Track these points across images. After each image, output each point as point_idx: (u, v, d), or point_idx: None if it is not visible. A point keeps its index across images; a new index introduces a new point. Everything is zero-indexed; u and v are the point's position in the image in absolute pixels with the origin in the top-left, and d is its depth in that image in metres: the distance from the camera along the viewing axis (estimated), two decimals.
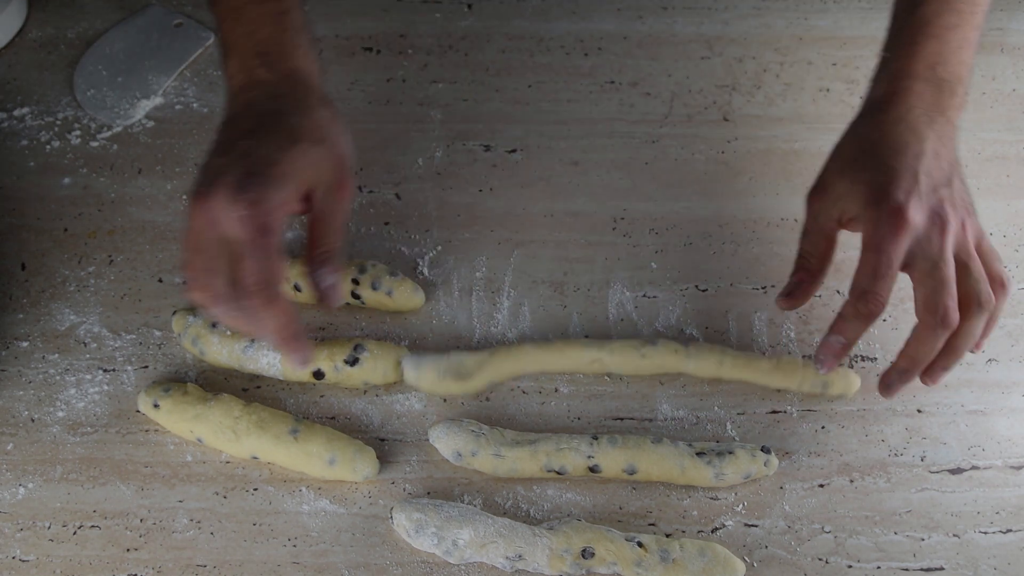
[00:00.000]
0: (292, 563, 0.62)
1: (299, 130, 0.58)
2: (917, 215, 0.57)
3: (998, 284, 0.59)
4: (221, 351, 0.67)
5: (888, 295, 0.58)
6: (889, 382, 0.62)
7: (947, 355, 0.60)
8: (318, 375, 0.67)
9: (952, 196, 0.58)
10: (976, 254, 0.59)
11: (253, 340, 0.67)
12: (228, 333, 0.68)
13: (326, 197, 0.59)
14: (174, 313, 0.70)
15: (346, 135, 0.61)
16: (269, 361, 0.67)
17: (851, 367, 0.70)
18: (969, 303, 0.58)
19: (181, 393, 0.66)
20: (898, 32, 0.64)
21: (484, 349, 0.68)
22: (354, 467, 0.63)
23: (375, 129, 0.82)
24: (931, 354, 0.59)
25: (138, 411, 0.67)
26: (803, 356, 0.70)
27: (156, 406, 0.65)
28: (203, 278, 0.56)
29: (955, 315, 0.57)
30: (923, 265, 0.58)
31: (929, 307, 0.58)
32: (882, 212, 0.57)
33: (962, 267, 0.58)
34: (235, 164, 0.56)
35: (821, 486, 0.65)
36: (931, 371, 0.60)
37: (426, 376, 0.66)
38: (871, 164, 0.59)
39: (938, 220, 0.57)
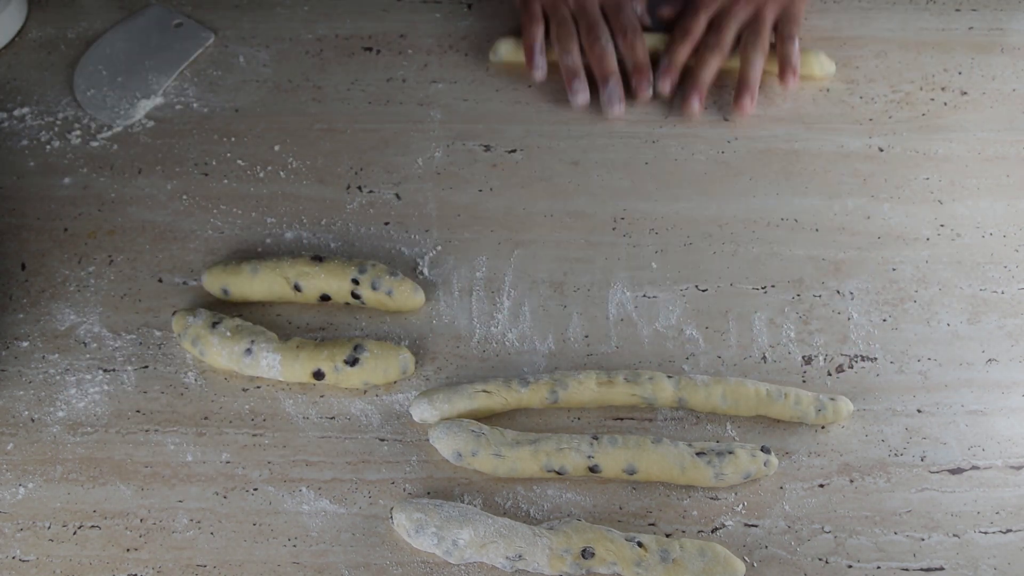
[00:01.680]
0: (292, 563, 0.62)
1: None
2: None
3: (779, 36, 0.83)
4: (221, 352, 0.67)
5: (694, 30, 0.82)
6: (684, 94, 0.82)
7: (740, 78, 0.82)
8: (318, 375, 0.67)
9: None
10: (765, 17, 0.82)
11: (253, 343, 0.67)
12: (228, 335, 0.68)
13: None
14: (174, 314, 0.70)
15: None
16: (269, 363, 0.67)
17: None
18: (744, 43, 0.82)
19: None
20: None
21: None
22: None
23: (375, 129, 0.82)
24: (702, 66, 0.81)
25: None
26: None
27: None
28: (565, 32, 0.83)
29: (722, 40, 0.82)
30: (716, 16, 0.83)
31: (708, 33, 0.83)
32: None
33: (749, 22, 0.82)
34: None
35: (821, 486, 0.65)
36: (738, 94, 0.81)
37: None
38: None
39: None
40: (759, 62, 0.81)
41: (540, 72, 0.83)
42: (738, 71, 0.82)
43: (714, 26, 0.82)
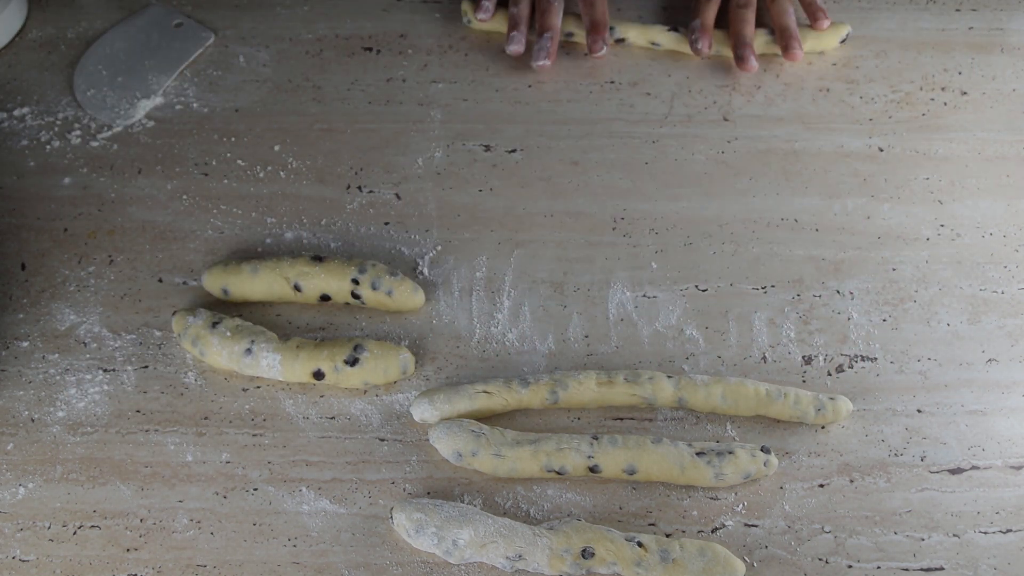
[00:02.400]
0: (292, 563, 0.62)
1: None
2: None
3: None
4: (221, 352, 0.67)
5: None
6: (737, 55, 0.84)
7: (779, 30, 0.85)
8: (318, 375, 0.67)
9: None
10: None
11: (253, 343, 0.67)
12: (228, 335, 0.68)
13: None
14: (174, 314, 0.70)
15: None
16: (269, 363, 0.67)
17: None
18: None
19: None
20: None
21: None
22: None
23: (375, 129, 0.82)
24: (741, 23, 0.85)
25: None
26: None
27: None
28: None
29: None
30: None
31: None
32: None
33: None
34: None
35: (821, 486, 0.65)
36: (784, 46, 0.84)
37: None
38: None
39: None
40: (790, 8, 0.85)
41: (515, 46, 0.85)
42: (773, 23, 0.86)
43: None
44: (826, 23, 0.85)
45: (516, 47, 0.85)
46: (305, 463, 0.66)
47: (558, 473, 0.64)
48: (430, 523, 0.61)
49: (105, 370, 0.69)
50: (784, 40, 0.84)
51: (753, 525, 0.63)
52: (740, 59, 0.84)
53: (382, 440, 0.67)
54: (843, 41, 0.87)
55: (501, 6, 0.89)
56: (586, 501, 0.64)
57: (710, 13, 0.86)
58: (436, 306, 0.73)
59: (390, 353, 0.68)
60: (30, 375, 0.69)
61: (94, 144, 0.81)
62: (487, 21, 0.87)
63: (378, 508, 0.64)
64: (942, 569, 0.62)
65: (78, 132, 0.82)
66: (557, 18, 0.85)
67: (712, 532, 0.63)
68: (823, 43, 0.86)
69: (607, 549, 0.60)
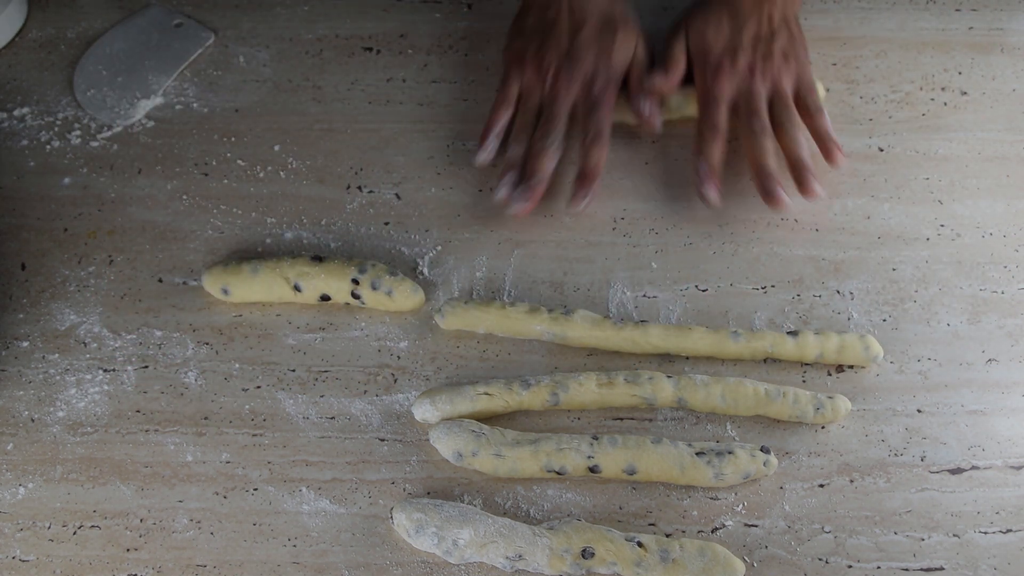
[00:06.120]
0: (292, 563, 0.62)
1: (615, 22, 0.80)
2: (733, 68, 0.77)
3: (806, 111, 0.77)
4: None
5: (721, 123, 0.76)
6: (766, 190, 0.74)
7: (792, 163, 0.75)
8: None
9: (771, 48, 0.78)
10: (785, 90, 0.78)
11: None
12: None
13: (637, 61, 0.80)
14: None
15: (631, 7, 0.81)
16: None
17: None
18: (778, 122, 0.76)
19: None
20: None
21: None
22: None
23: (375, 129, 0.82)
24: (764, 154, 0.74)
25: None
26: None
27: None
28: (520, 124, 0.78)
29: (764, 121, 0.76)
30: (742, 100, 0.77)
31: (746, 120, 0.76)
32: (709, 65, 0.78)
33: (773, 99, 0.78)
34: (587, 55, 0.78)
35: (821, 486, 0.65)
36: (800, 181, 0.74)
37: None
38: (712, 21, 0.79)
39: (751, 69, 0.77)
40: (803, 138, 0.75)
41: (484, 155, 0.77)
42: (785, 155, 0.75)
43: (750, 110, 0.76)
44: (841, 159, 0.75)
45: (502, 192, 0.75)
46: (305, 463, 0.66)
47: (558, 473, 0.64)
48: (430, 523, 0.61)
49: (105, 370, 0.69)
50: (797, 173, 0.74)
51: (753, 525, 0.63)
52: (768, 194, 0.73)
53: (382, 440, 0.67)
54: (875, 360, 0.69)
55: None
56: (586, 501, 0.64)
57: (715, 151, 0.76)
58: (436, 306, 0.73)
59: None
60: (30, 375, 0.69)
61: (94, 144, 0.81)
62: (484, 162, 0.78)
63: (378, 508, 0.64)
64: (942, 569, 0.62)
65: (78, 132, 0.82)
66: (547, 161, 0.74)
67: (712, 532, 0.63)
68: (856, 359, 0.69)
69: (607, 549, 0.60)
